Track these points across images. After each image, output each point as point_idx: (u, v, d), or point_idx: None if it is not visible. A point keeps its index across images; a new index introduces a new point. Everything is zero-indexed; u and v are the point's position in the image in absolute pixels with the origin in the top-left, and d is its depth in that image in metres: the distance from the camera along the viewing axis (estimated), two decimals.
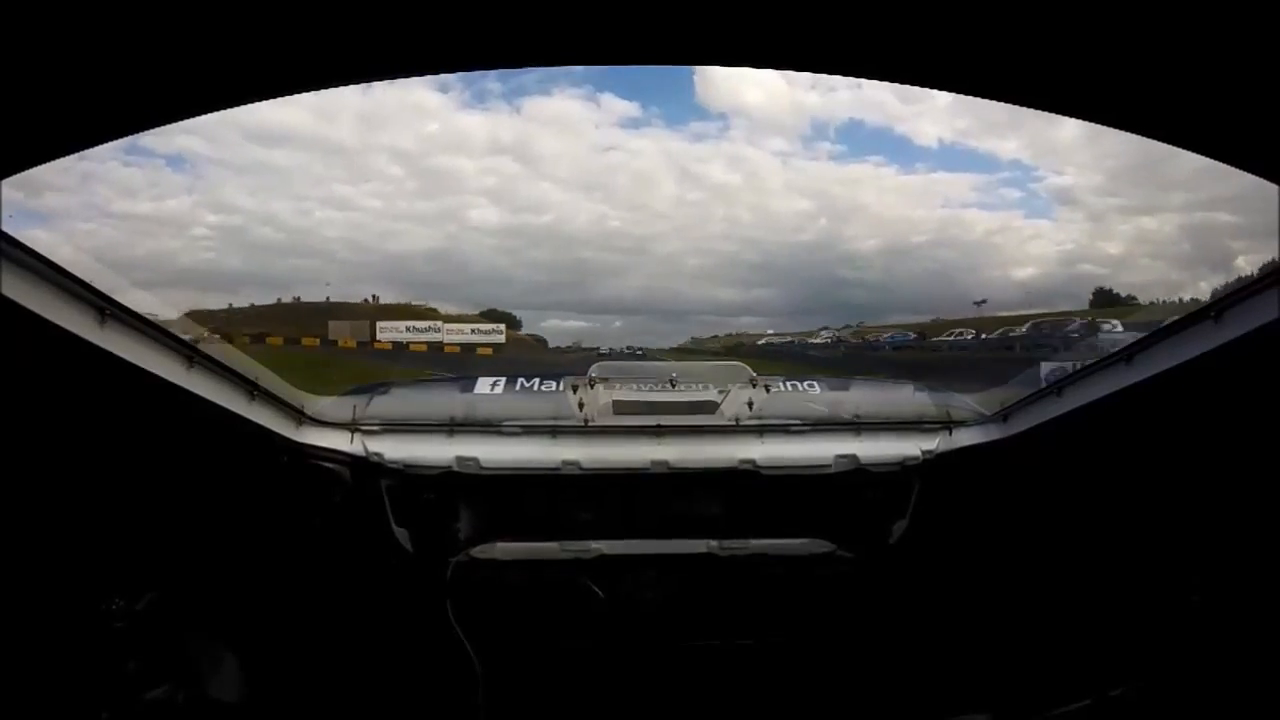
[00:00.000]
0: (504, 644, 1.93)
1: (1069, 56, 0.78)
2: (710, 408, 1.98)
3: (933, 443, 1.91)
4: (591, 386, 1.88)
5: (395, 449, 1.83)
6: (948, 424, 1.94)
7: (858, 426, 1.95)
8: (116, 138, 0.85)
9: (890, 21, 0.74)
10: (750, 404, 1.93)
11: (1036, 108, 0.88)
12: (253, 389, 1.54)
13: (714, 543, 1.91)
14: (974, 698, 1.80)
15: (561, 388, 1.98)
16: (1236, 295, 1.15)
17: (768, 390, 1.95)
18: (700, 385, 2.02)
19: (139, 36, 0.70)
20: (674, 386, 1.94)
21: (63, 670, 1.42)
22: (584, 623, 1.93)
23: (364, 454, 1.82)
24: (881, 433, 1.95)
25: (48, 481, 1.34)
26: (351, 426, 1.86)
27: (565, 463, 1.82)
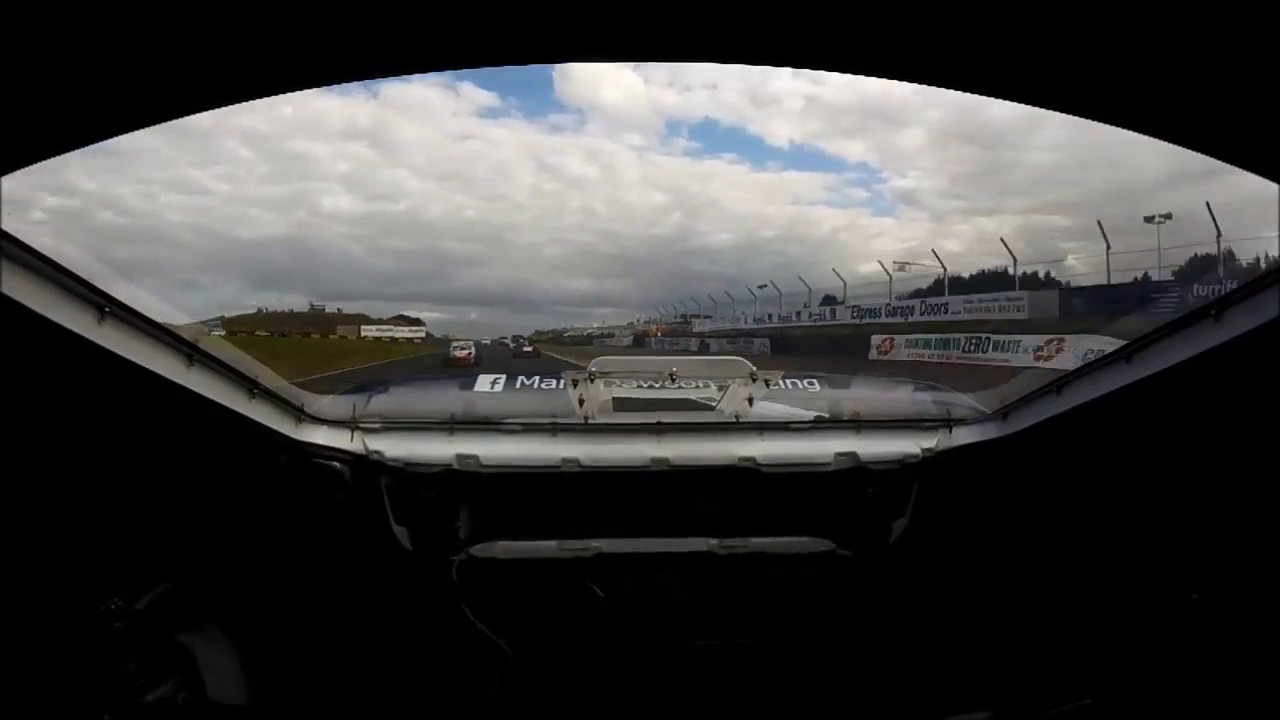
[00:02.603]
0: (502, 643, 1.93)
1: (1069, 55, 0.78)
2: (710, 405, 1.98)
3: (932, 441, 1.91)
4: (591, 382, 1.88)
5: (395, 447, 1.83)
6: (947, 422, 1.94)
7: (857, 424, 1.95)
8: (115, 135, 0.85)
9: (890, 21, 0.74)
10: (750, 401, 1.93)
11: (1037, 106, 0.88)
12: (253, 387, 1.54)
13: (714, 541, 1.91)
14: (974, 696, 1.80)
15: (561, 385, 1.98)
16: (1237, 295, 1.15)
17: (768, 386, 1.94)
18: (700, 382, 2.02)
19: (138, 35, 0.70)
20: (674, 383, 1.94)
21: (63, 670, 1.41)
22: (583, 621, 1.93)
23: (364, 452, 1.82)
24: (881, 431, 1.95)
25: (47, 481, 1.34)
26: (351, 424, 1.86)
27: (565, 460, 1.83)
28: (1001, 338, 18.78)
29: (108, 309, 1.13)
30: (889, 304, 26.30)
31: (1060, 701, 1.70)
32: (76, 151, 0.84)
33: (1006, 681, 1.81)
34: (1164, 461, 1.50)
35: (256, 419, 1.57)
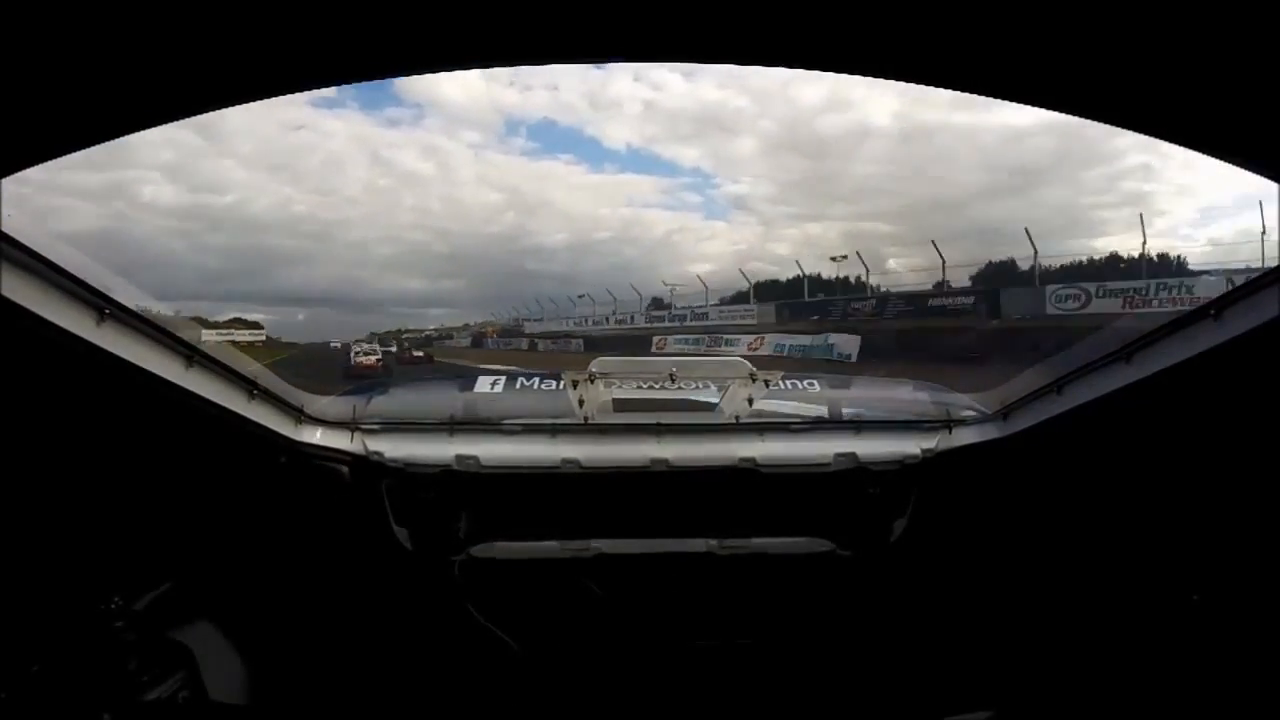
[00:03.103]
0: (501, 642, 1.93)
1: (1070, 55, 0.78)
2: (710, 405, 1.98)
3: (932, 441, 1.91)
4: (591, 383, 1.88)
5: (395, 448, 1.83)
6: (947, 422, 1.94)
7: (857, 425, 1.95)
8: (115, 137, 0.85)
9: (892, 20, 0.74)
10: (750, 401, 1.93)
11: (1037, 106, 0.88)
12: (252, 388, 1.54)
13: (714, 541, 1.91)
14: (975, 695, 1.80)
15: (561, 386, 1.98)
16: (1236, 294, 1.15)
17: (767, 386, 1.95)
18: (700, 382, 2.02)
19: (138, 35, 0.70)
20: (674, 383, 1.94)
21: (63, 670, 1.41)
22: (584, 622, 1.93)
23: (364, 453, 1.82)
24: (881, 431, 1.95)
25: (47, 481, 1.34)
26: (351, 425, 1.86)
27: (565, 461, 1.82)
28: (732, 336, 24.75)
29: (107, 310, 1.13)
30: (677, 309, 30.93)
31: (1062, 700, 1.70)
32: None
33: (1006, 681, 1.81)
34: (1164, 461, 1.50)
35: (256, 420, 1.57)
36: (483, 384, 2.12)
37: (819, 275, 26.81)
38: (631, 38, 0.80)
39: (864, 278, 24.41)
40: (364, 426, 1.86)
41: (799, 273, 26.95)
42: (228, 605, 1.78)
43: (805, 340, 20.38)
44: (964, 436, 1.90)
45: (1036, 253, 18.92)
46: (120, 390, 1.25)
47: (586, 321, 34.24)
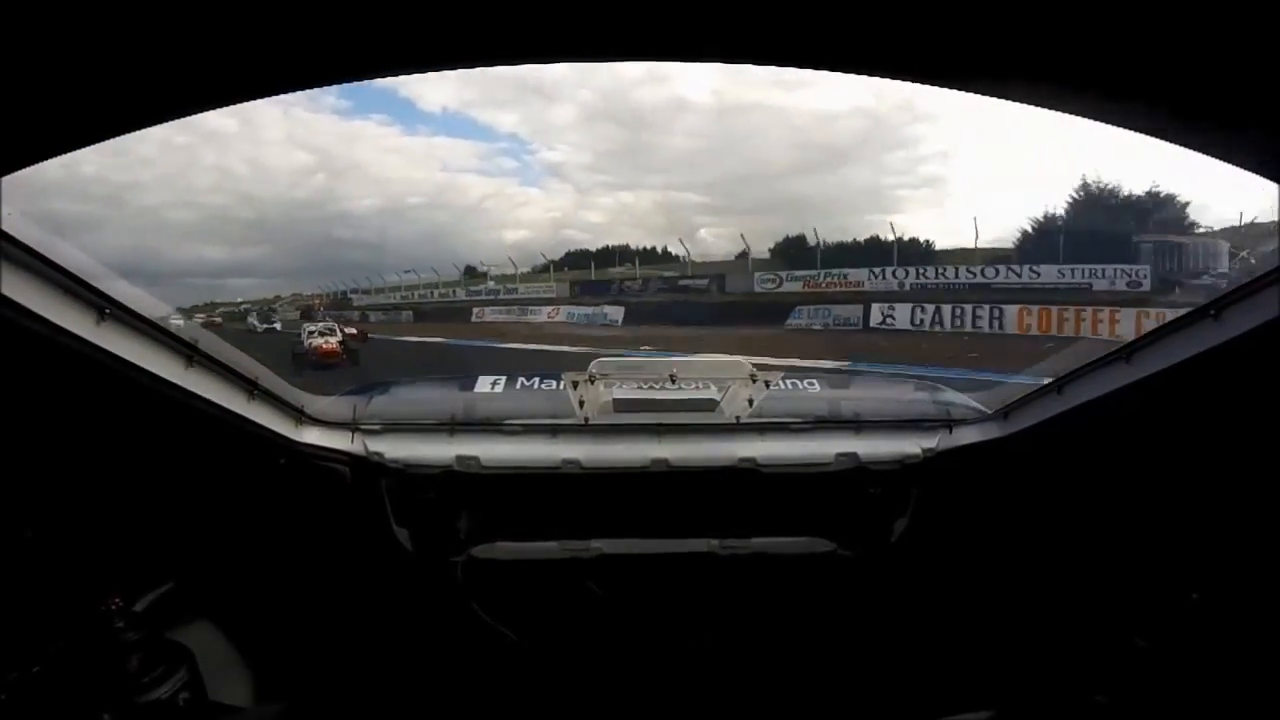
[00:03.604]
0: (501, 642, 1.93)
1: (1070, 55, 0.78)
2: (710, 405, 1.98)
3: (933, 441, 1.91)
4: (592, 383, 1.88)
5: (395, 448, 1.83)
6: (948, 422, 1.94)
7: (858, 425, 1.95)
8: (115, 136, 0.85)
9: (892, 19, 0.74)
10: (750, 401, 1.93)
11: (1038, 105, 0.88)
12: (252, 388, 1.54)
13: (714, 542, 1.91)
14: (976, 695, 1.80)
15: (561, 386, 1.98)
16: (1237, 294, 1.15)
17: (768, 386, 1.95)
18: (700, 382, 2.02)
19: (138, 34, 0.70)
20: (674, 383, 1.94)
21: (63, 670, 1.41)
22: (584, 622, 1.93)
23: (364, 453, 1.82)
24: (881, 431, 1.95)
25: (46, 481, 1.34)
26: (352, 426, 1.86)
27: (565, 461, 1.82)
28: (536, 307, 27.59)
29: (107, 310, 1.13)
30: (492, 284, 32.01)
31: (1062, 700, 1.70)
32: None
33: (1007, 681, 1.81)
34: (1164, 461, 1.50)
35: (256, 420, 1.57)
36: (483, 384, 2.12)
37: (627, 246, 28.56)
38: (627, 40, 0.81)
39: (669, 249, 26.76)
40: (364, 427, 1.86)
41: (609, 243, 28.89)
42: (228, 605, 1.78)
43: (588, 310, 24.98)
44: (964, 436, 1.90)
45: (817, 233, 23.02)
46: (120, 390, 1.24)
47: (414, 294, 35.47)
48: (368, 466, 1.82)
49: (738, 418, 1.91)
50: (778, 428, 1.93)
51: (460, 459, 1.81)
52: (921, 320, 17.98)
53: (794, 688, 1.95)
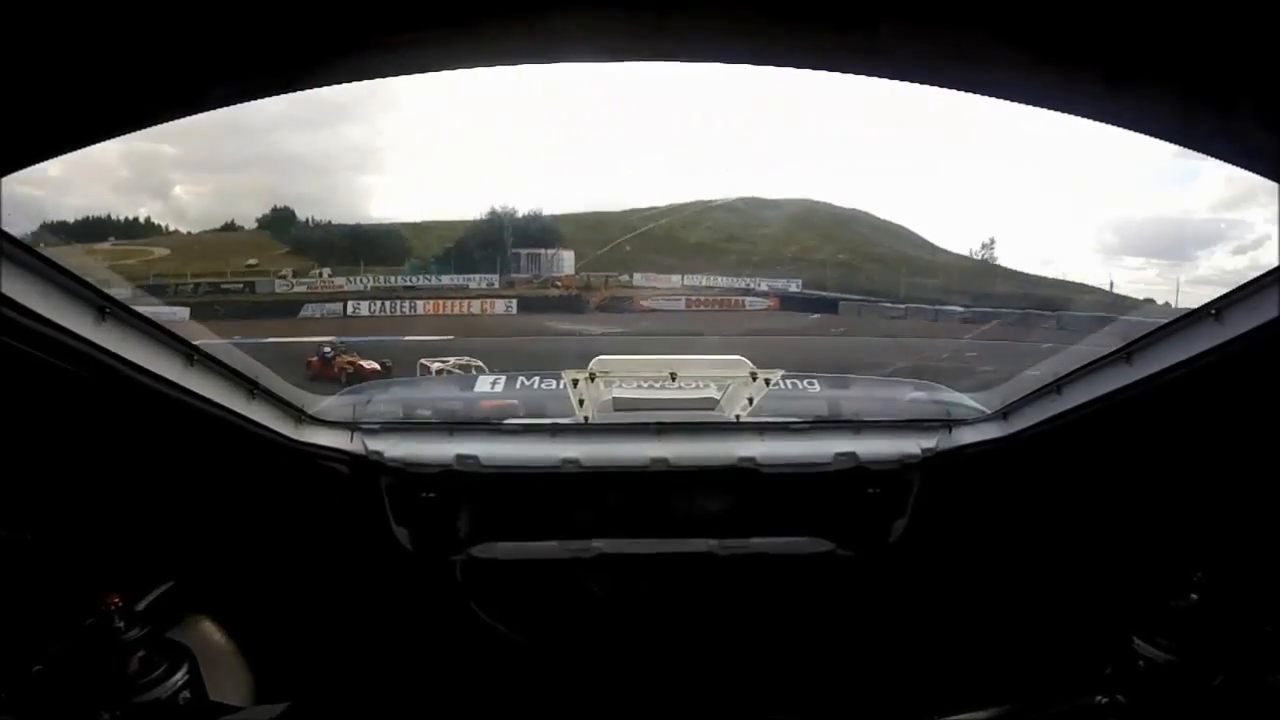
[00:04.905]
0: (501, 642, 1.93)
1: (1071, 56, 0.78)
2: (710, 404, 1.98)
3: (932, 441, 1.91)
4: (591, 382, 1.87)
5: (395, 448, 1.83)
6: (947, 422, 1.94)
7: (857, 425, 1.95)
8: (115, 135, 0.85)
9: (894, 19, 0.74)
10: (750, 400, 1.93)
11: (1038, 105, 0.88)
12: (252, 388, 1.54)
13: (714, 541, 1.90)
14: (975, 695, 1.80)
15: (561, 385, 1.98)
16: (1237, 294, 1.15)
17: (768, 385, 1.95)
18: (701, 381, 2.02)
19: (138, 34, 0.70)
20: (674, 381, 1.93)
21: (63, 670, 1.41)
22: (584, 621, 1.93)
23: (364, 453, 1.82)
24: (881, 431, 1.94)
25: (47, 481, 1.34)
26: (351, 425, 1.86)
27: (565, 461, 1.82)
28: None
29: (107, 309, 1.13)
30: None
31: (1062, 699, 1.70)
32: None
33: (1006, 681, 1.81)
34: (1164, 461, 1.50)
35: (256, 419, 1.57)
36: (483, 384, 2.12)
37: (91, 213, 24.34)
38: (626, 39, 0.81)
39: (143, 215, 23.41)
40: (364, 426, 1.86)
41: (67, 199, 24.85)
42: (228, 604, 1.78)
43: None
44: (964, 436, 1.90)
45: (309, 214, 22.00)
46: (120, 389, 1.24)
47: None
48: (367, 466, 1.82)
49: (737, 417, 1.91)
50: (777, 427, 1.93)
51: (460, 458, 1.81)
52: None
53: (794, 687, 1.95)
